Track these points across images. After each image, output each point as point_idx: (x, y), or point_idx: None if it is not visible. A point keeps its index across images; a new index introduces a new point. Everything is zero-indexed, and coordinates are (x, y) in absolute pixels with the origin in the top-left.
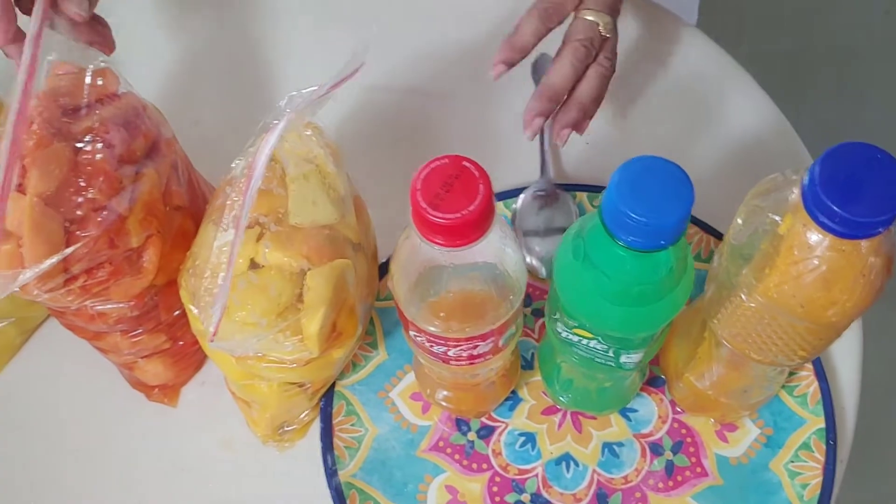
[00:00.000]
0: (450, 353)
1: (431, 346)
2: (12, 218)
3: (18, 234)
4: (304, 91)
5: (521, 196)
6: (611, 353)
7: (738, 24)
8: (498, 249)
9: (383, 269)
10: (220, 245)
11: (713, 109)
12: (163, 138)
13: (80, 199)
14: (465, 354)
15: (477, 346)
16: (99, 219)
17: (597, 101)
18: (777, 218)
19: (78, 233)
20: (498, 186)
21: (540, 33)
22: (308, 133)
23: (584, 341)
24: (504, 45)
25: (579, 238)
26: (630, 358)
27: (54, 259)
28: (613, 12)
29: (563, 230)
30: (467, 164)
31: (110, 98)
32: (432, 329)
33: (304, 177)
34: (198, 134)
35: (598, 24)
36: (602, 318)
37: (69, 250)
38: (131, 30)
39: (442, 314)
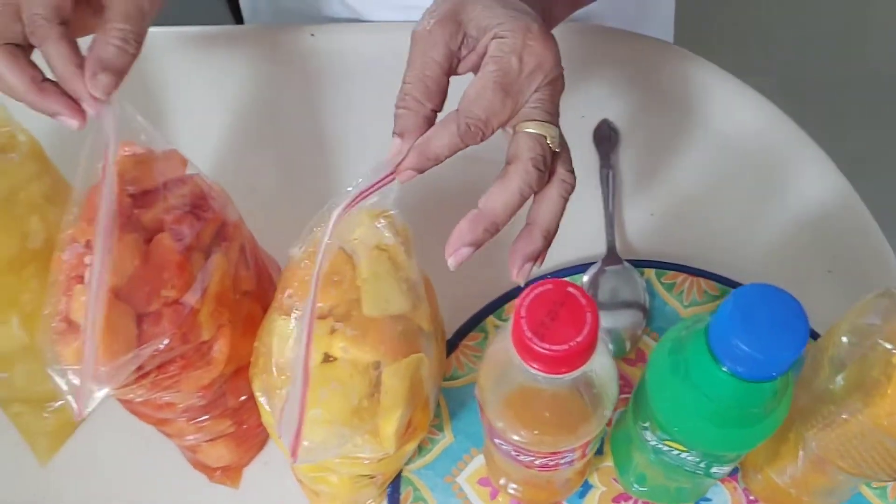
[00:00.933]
0: (536, 463)
1: (517, 455)
2: (82, 312)
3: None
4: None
5: (588, 273)
6: (702, 465)
7: (766, 50)
8: (597, 365)
9: (450, 346)
10: (289, 358)
11: (781, 181)
12: (230, 222)
13: (152, 293)
14: (551, 463)
15: (565, 456)
16: (171, 314)
17: (558, 225)
18: (890, 346)
19: (150, 329)
20: (562, 260)
21: (456, 149)
22: (379, 221)
23: (675, 452)
24: (416, 151)
25: (678, 354)
26: (721, 470)
27: (128, 358)
28: (556, 121)
29: (629, 303)
30: (573, 291)
31: (177, 183)
32: (519, 440)
33: (376, 276)
34: (255, 202)
35: (545, 138)
36: (699, 436)
37: (143, 349)
38: (186, 96)
39: (535, 431)
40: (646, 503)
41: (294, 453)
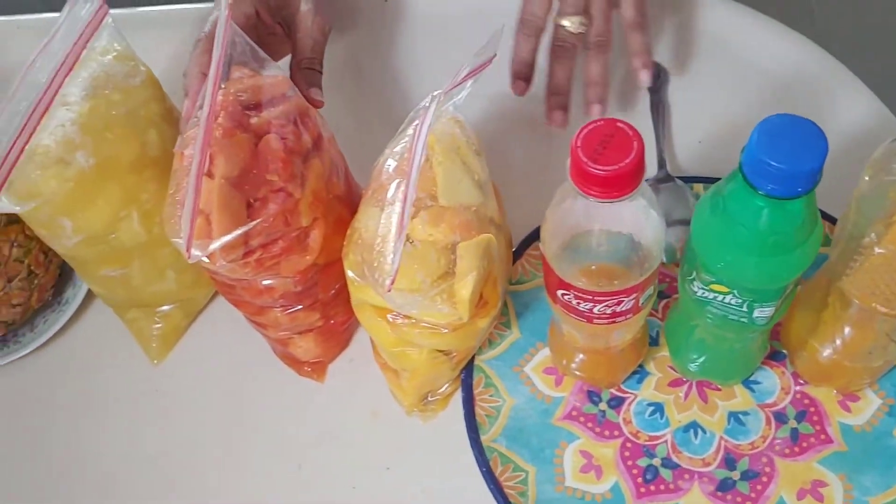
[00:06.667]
0: (595, 311)
1: (578, 304)
2: (202, 198)
3: (207, 211)
4: (445, 90)
5: None
6: (744, 308)
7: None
8: (644, 208)
9: (515, 255)
10: (388, 214)
11: (819, 108)
12: (324, 136)
13: (260, 182)
14: (608, 311)
15: (621, 301)
16: (276, 198)
17: (604, 74)
18: None
19: (258, 209)
20: None
21: (531, 43)
22: (451, 124)
23: (720, 297)
24: (512, 63)
25: (717, 196)
26: (763, 312)
27: (240, 230)
28: (579, 10)
29: (682, 222)
30: (621, 125)
31: (282, 98)
32: (580, 284)
33: (451, 160)
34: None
35: (567, 26)
36: (739, 268)
37: (253, 223)
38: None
39: (593, 267)
40: (700, 383)
41: (392, 281)
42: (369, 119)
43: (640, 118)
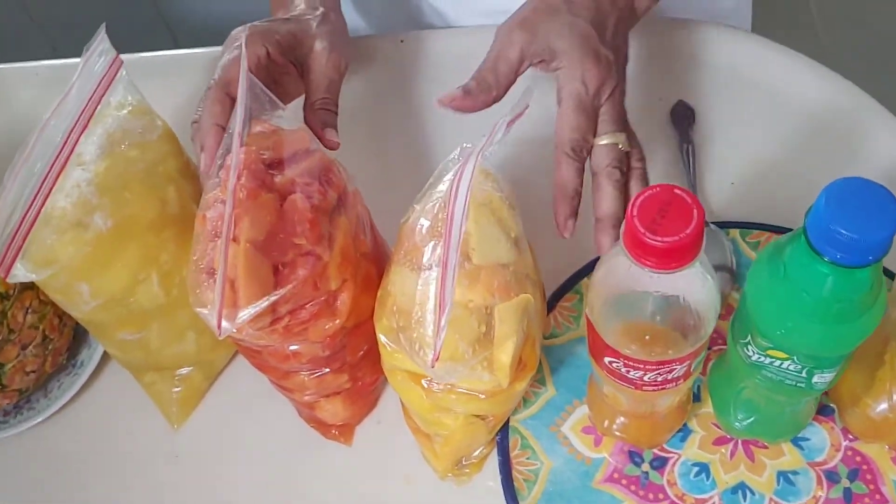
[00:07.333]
0: (645, 378)
1: (627, 372)
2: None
3: (232, 277)
4: (475, 143)
5: None
6: (803, 374)
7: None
8: (700, 275)
9: (548, 307)
10: (425, 279)
11: (855, 147)
12: (349, 191)
13: (287, 245)
14: (659, 379)
15: (674, 369)
16: (305, 263)
17: None
18: None
19: (287, 274)
20: None
21: (579, 171)
22: (483, 179)
23: (777, 363)
24: (559, 198)
25: (776, 259)
26: (823, 378)
27: (268, 300)
28: (623, 125)
29: (717, 267)
30: (679, 192)
31: (305, 154)
32: (630, 352)
33: (485, 217)
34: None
35: (616, 144)
36: (800, 336)
37: (282, 291)
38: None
39: (647, 337)
40: (746, 442)
41: (436, 357)
42: (387, 165)
43: (668, 163)
